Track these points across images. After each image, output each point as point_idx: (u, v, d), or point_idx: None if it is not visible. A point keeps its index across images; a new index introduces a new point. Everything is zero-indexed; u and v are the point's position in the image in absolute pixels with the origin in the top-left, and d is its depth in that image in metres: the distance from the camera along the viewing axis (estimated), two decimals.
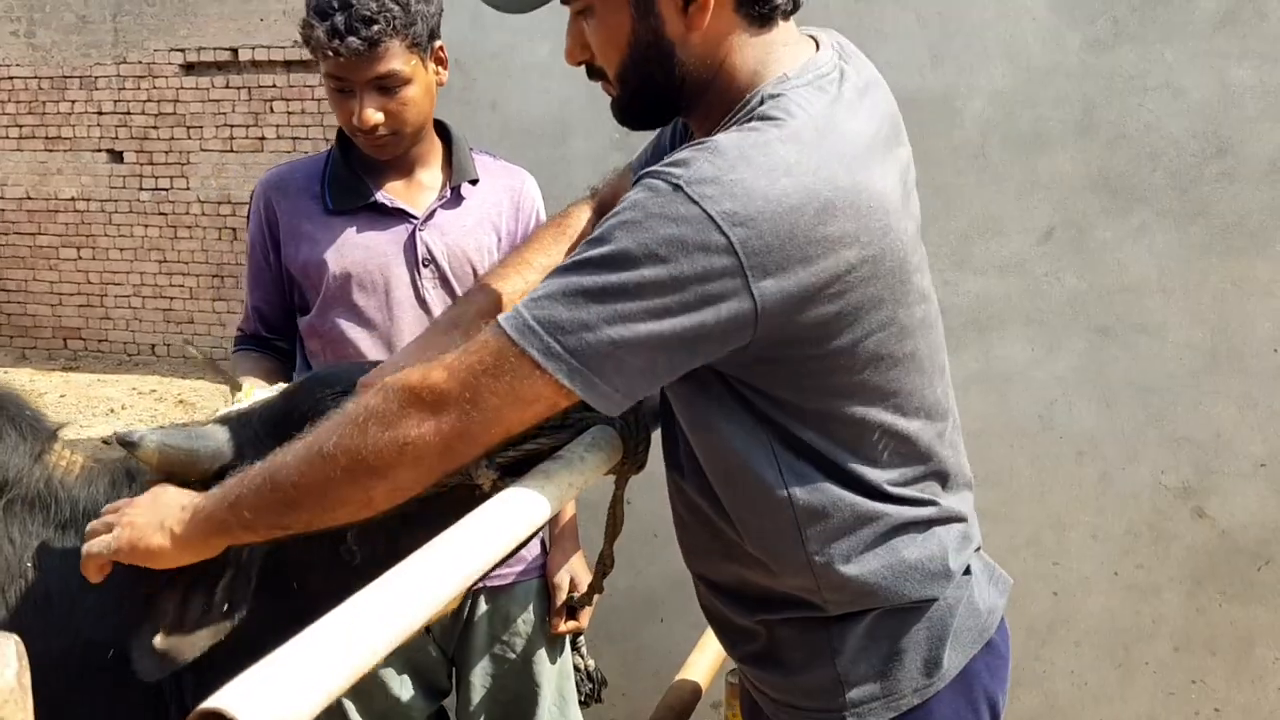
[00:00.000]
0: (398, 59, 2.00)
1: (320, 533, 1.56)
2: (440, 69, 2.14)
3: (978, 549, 1.57)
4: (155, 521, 1.40)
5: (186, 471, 1.55)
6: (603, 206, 1.75)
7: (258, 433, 1.61)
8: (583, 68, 1.47)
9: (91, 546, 1.43)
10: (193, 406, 8.89)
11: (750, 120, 1.30)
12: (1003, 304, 2.70)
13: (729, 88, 1.37)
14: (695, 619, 1.90)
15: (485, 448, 1.29)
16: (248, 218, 2.23)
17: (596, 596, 2.10)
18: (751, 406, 1.37)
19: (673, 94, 1.40)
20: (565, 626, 2.32)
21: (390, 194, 2.13)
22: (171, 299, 10.58)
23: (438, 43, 2.12)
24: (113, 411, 8.86)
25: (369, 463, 1.26)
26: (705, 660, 2.31)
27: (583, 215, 1.77)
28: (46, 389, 9.51)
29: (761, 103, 1.31)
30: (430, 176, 2.18)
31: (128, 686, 1.58)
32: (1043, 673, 2.81)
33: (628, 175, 1.76)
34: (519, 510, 1.34)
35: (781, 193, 1.21)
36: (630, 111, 1.46)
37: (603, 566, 1.82)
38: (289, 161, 2.31)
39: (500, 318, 1.25)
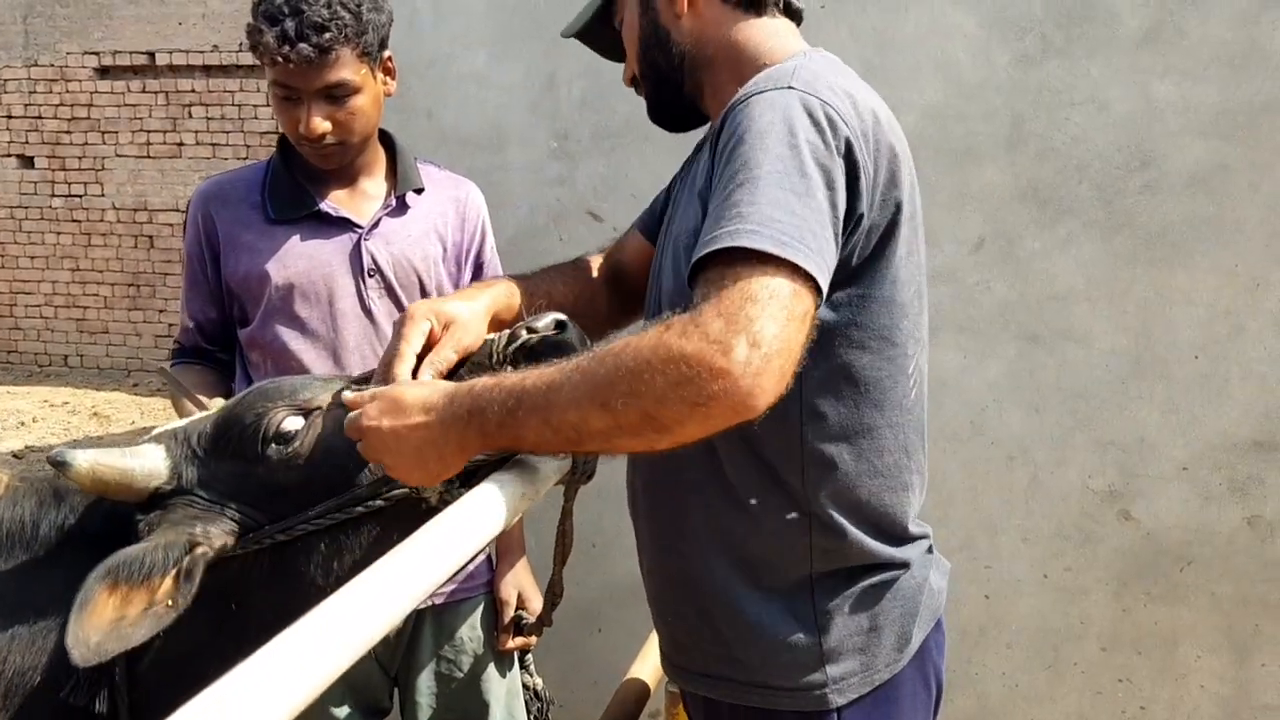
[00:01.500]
0: (348, 68, 1.98)
1: (268, 553, 1.54)
2: (389, 79, 2.12)
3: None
4: (411, 449, 1.37)
5: (120, 492, 1.51)
6: (606, 254, 1.84)
7: (196, 451, 1.57)
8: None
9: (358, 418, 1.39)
10: (107, 419, 8.66)
11: (788, 61, 1.47)
12: (935, 312, 2.71)
13: (739, 60, 1.54)
14: (634, 628, 1.89)
15: (776, 395, 1.22)
16: (184, 228, 2.18)
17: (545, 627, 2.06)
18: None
19: (678, 77, 1.57)
20: (513, 643, 2.29)
21: (334, 203, 2.10)
22: (85, 308, 10.31)
23: (386, 52, 2.10)
24: (23, 424, 8.59)
25: (661, 422, 1.22)
26: (645, 670, 2.31)
27: (590, 259, 1.84)
28: None
29: (794, 70, 1.44)
30: (374, 185, 2.16)
31: (62, 710, 1.54)
32: (975, 675, 2.86)
33: (633, 233, 1.83)
34: (472, 523, 1.30)
35: (870, 99, 1.46)
36: (656, 107, 1.64)
37: (552, 596, 1.73)
38: (226, 171, 2.26)
39: (720, 247, 1.26)
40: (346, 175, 2.12)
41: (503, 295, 1.62)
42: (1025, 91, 2.64)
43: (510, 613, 2.28)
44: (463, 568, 1.55)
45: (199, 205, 2.12)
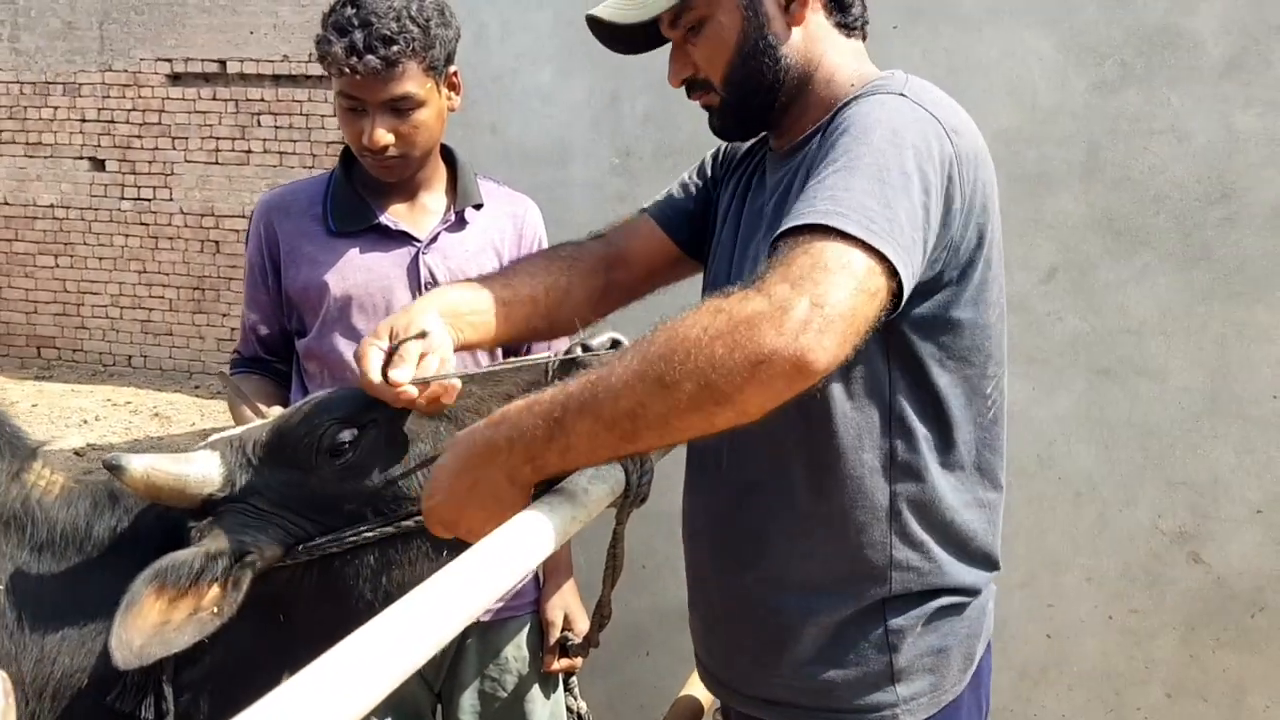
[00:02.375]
0: (413, 81, 1.97)
1: (317, 566, 1.52)
2: (453, 94, 2.11)
3: None
4: (470, 488, 1.35)
5: (173, 498, 1.51)
6: (608, 242, 1.81)
7: (251, 459, 1.57)
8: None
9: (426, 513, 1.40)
10: (168, 420, 8.78)
11: (895, 74, 1.51)
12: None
13: (831, 81, 1.55)
14: (683, 653, 1.86)
15: (835, 359, 1.19)
16: (246, 238, 2.19)
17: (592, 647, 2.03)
18: (894, 341, 1.47)
19: (775, 91, 1.55)
20: (558, 665, 2.27)
21: (394, 216, 2.09)
22: (150, 310, 10.47)
23: (452, 68, 2.09)
24: (85, 423, 8.74)
25: (719, 387, 1.18)
26: (699, 689, 2.27)
27: (586, 244, 1.82)
28: (18, 398, 9.37)
29: (906, 80, 1.49)
30: (434, 200, 2.15)
31: (108, 713, 1.53)
32: (1034, 715, 2.78)
33: (640, 218, 1.82)
34: (522, 545, 1.29)
35: (970, 126, 1.49)
36: (732, 115, 1.60)
37: (600, 617, 1.70)
38: (290, 182, 2.27)
39: (804, 222, 1.25)
40: (407, 189, 2.11)
41: (448, 308, 1.63)
42: (1102, 119, 2.57)
43: (556, 634, 2.26)
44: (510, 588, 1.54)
45: (261, 215, 2.12)
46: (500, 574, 1.23)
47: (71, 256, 10.57)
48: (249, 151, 10.01)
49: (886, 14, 2.65)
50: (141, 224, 10.37)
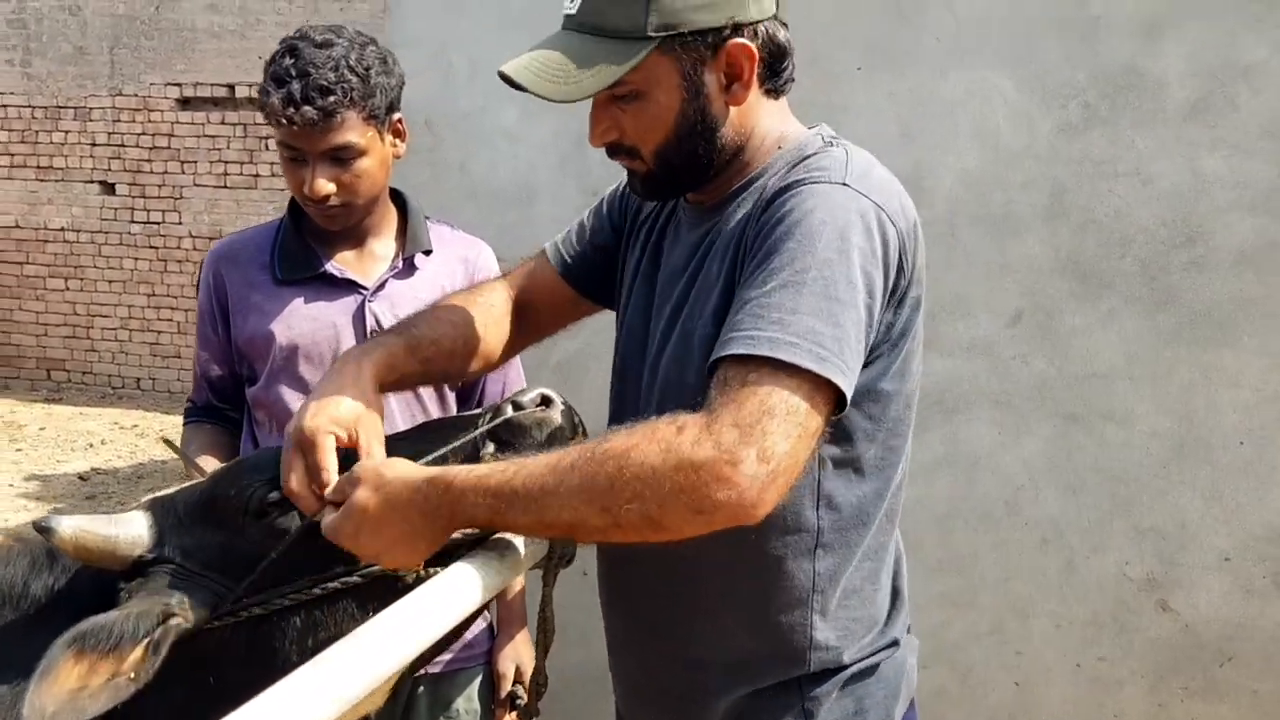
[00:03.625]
0: (353, 131, 1.97)
1: (245, 627, 1.52)
2: (398, 141, 2.10)
3: None
4: (393, 538, 1.38)
5: (105, 560, 1.51)
6: (514, 284, 1.83)
7: (180, 520, 1.57)
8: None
9: (326, 527, 1.42)
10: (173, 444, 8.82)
11: (831, 148, 1.50)
12: (970, 386, 2.67)
13: (759, 149, 1.54)
14: None
15: (774, 505, 1.27)
16: (196, 286, 2.20)
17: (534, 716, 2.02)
18: None
19: (708, 163, 1.53)
20: (509, 718, 2.25)
21: (341, 264, 2.09)
22: (159, 333, 10.56)
23: (396, 115, 2.08)
24: (92, 446, 8.80)
25: (660, 523, 1.26)
26: None
27: (496, 288, 1.83)
28: (27, 420, 9.45)
29: (831, 143, 1.52)
30: (383, 246, 2.14)
31: None
32: None
33: (543, 264, 1.83)
34: (446, 601, 1.33)
35: (904, 195, 1.51)
36: (658, 184, 1.58)
37: (537, 686, 1.70)
38: (240, 230, 2.27)
39: (754, 352, 1.28)
40: (354, 236, 2.11)
41: (384, 360, 1.60)
42: (1067, 161, 2.55)
43: (507, 686, 2.24)
44: (442, 643, 1.55)
45: (211, 265, 2.13)
46: (424, 628, 1.29)
47: (81, 280, 10.67)
48: (257, 175, 10.10)
49: (850, 55, 2.66)
50: (151, 247, 10.47)
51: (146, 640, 1.44)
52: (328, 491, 1.45)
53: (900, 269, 1.42)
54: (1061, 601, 2.66)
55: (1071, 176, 2.55)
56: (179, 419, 8.90)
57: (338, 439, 1.47)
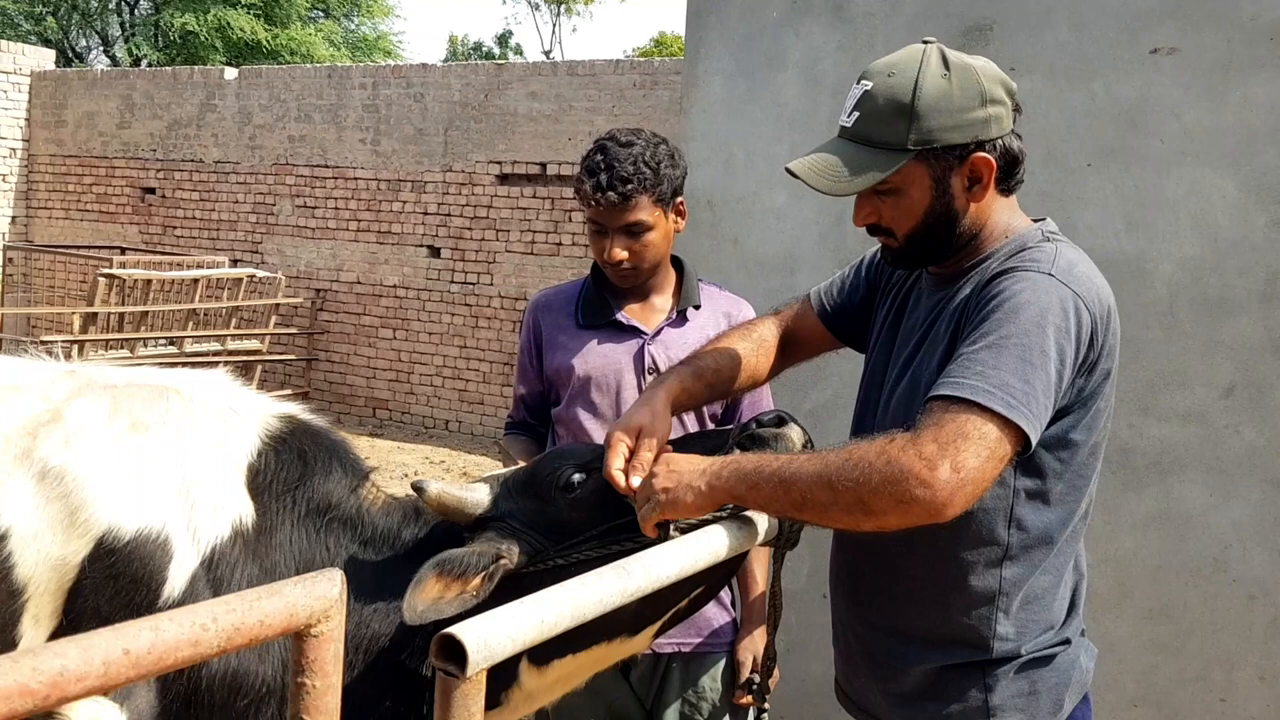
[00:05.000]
0: (644, 211, 2.52)
1: (550, 574, 2.03)
2: (679, 219, 2.64)
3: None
4: (684, 485, 1.81)
5: (456, 515, 2.09)
6: (783, 322, 2.29)
7: (510, 490, 2.13)
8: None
9: (644, 516, 1.86)
10: (473, 479, 9.80)
11: (1045, 244, 1.84)
12: (1183, 450, 2.92)
13: (989, 236, 1.89)
14: None
15: (963, 510, 1.63)
16: (518, 333, 2.81)
17: (773, 682, 2.38)
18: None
19: (948, 246, 1.89)
20: (744, 700, 2.67)
21: (628, 314, 2.64)
22: (467, 381, 11.70)
23: (679, 199, 2.62)
24: (405, 476, 9.90)
25: (871, 508, 1.64)
26: None
27: (768, 323, 2.30)
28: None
29: (1047, 238, 1.86)
30: (662, 301, 2.68)
31: (400, 668, 2.11)
32: None
33: (808, 309, 2.28)
34: (693, 550, 1.80)
35: (1103, 285, 1.82)
36: (906, 260, 1.97)
37: (768, 663, 2.13)
38: (555, 285, 2.88)
39: (958, 394, 1.65)
40: (641, 292, 2.65)
41: (676, 387, 2.08)
42: None
43: (745, 673, 2.65)
44: (684, 613, 2.04)
45: (531, 312, 2.74)
46: (677, 561, 1.74)
47: (406, 331, 11.99)
48: (559, 244, 11.09)
49: (1083, 154, 3.01)
50: (465, 305, 11.65)
51: (484, 571, 1.98)
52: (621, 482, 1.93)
53: (1091, 344, 1.76)
54: (1266, 655, 2.84)
55: None
56: (479, 458, 9.83)
57: (626, 444, 1.96)
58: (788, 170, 1.90)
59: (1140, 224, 2.95)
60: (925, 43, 1.88)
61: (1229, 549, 2.88)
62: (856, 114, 1.86)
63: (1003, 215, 1.91)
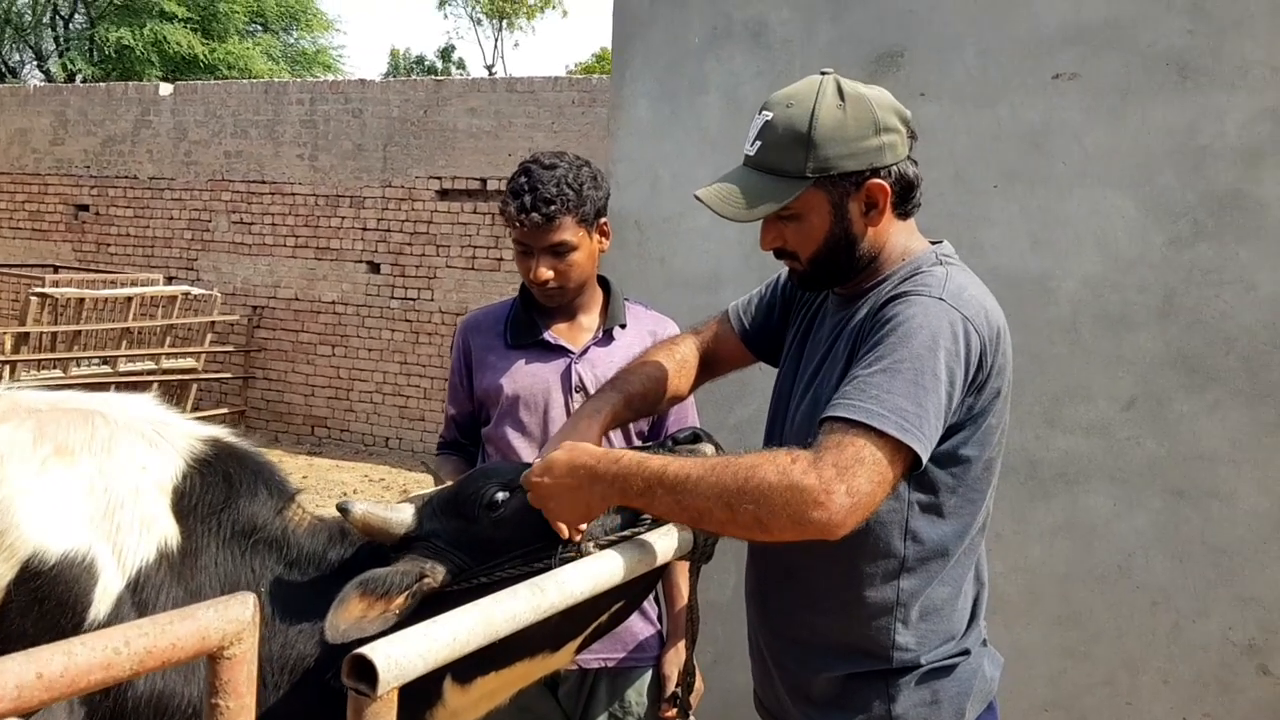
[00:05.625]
0: (568, 231, 2.59)
1: (473, 591, 2.08)
2: (603, 239, 2.71)
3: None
4: (571, 486, 1.87)
5: (381, 535, 2.13)
6: (703, 340, 2.37)
7: (435, 510, 2.17)
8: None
9: (553, 523, 1.94)
10: (411, 497, 9.79)
11: (937, 267, 1.92)
12: (1088, 461, 3.04)
13: (888, 259, 1.97)
14: None
15: (853, 529, 1.70)
16: (450, 350, 2.86)
17: (697, 695, 2.42)
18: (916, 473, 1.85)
19: (849, 270, 1.97)
20: (669, 714, 2.74)
21: (556, 334, 2.71)
22: (408, 397, 11.70)
23: (603, 219, 2.69)
24: (345, 495, 9.86)
25: (766, 525, 1.70)
26: None
27: (689, 342, 2.37)
28: (292, 470, 10.49)
29: (940, 261, 1.94)
30: (589, 320, 2.75)
31: (325, 688, 2.14)
32: None
33: (724, 319, 2.36)
34: (601, 569, 1.86)
35: (992, 307, 1.91)
36: (810, 282, 2.06)
37: (688, 678, 2.21)
38: (484, 306, 2.94)
39: (854, 418, 1.72)
40: (567, 312, 2.72)
41: (608, 414, 2.15)
42: (1178, 269, 2.92)
43: (671, 687, 2.71)
44: (606, 628, 2.10)
45: (461, 332, 2.79)
46: (585, 580, 1.80)
47: (345, 347, 11.96)
48: (500, 259, 11.13)
49: (989, 176, 3.12)
50: (406, 320, 11.65)
51: (408, 590, 2.01)
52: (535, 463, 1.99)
53: (980, 365, 1.85)
54: (1169, 660, 2.96)
55: (1181, 282, 2.92)
56: (419, 475, 9.82)
57: None
58: (696, 197, 1.98)
59: (1044, 243, 3.07)
60: (823, 74, 1.96)
61: (1132, 556, 3.00)
62: (759, 143, 1.94)
63: (900, 238, 1.99)
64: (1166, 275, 2.94)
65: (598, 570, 1.84)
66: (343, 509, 2.12)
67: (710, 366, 2.36)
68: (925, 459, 1.75)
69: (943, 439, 1.84)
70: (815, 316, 2.15)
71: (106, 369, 10.74)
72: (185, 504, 2.15)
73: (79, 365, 10.57)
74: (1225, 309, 2.88)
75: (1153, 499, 2.97)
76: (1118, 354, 3.00)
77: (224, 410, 11.59)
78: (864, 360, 1.82)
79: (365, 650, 1.34)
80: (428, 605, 1.99)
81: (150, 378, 10.75)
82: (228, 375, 12.14)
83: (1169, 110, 2.94)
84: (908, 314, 1.82)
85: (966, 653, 1.99)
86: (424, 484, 10.49)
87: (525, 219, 2.56)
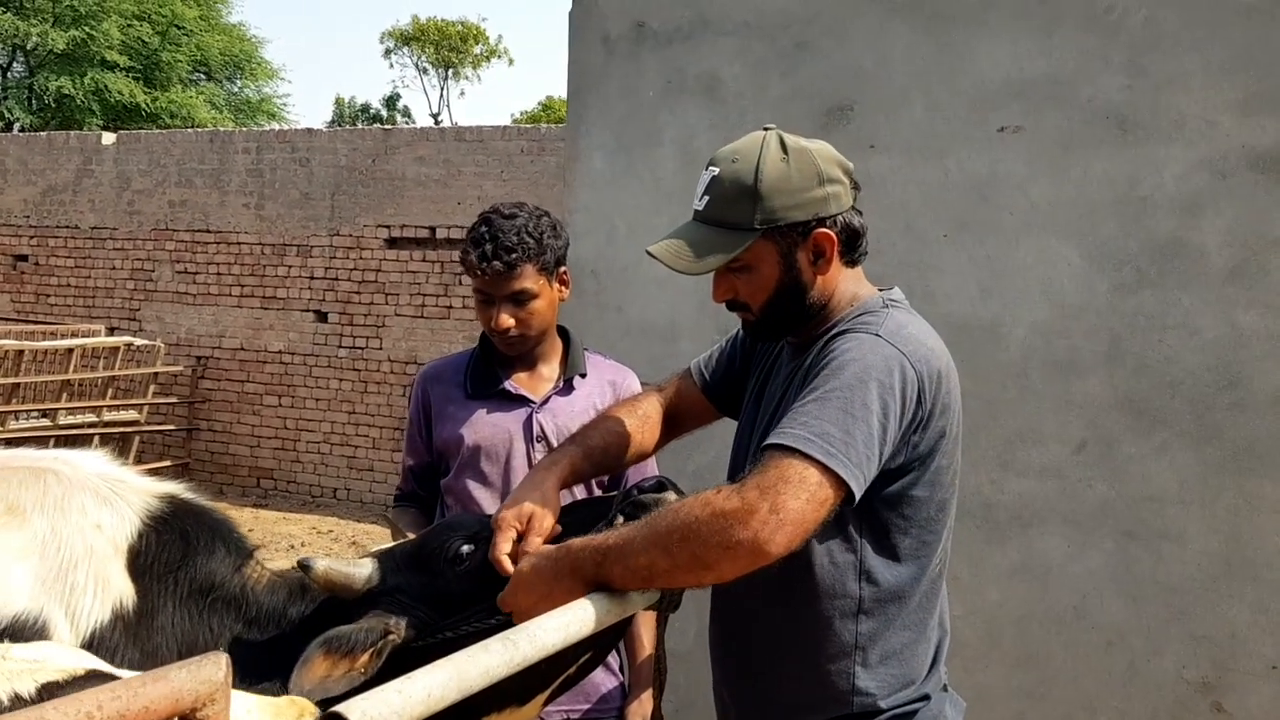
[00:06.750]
0: (529, 279, 2.60)
1: (440, 647, 2.06)
2: (563, 287, 2.73)
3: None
4: (544, 594, 1.86)
5: (344, 591, 2.11)
6: (666, 397, 2.37)
7: (398, 564, 2.16)
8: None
9: (500, 599, 1.93)
10: (362, 548, 9.67)
11: (881, 309, 1.96)
12: (1042, 504, 3.09)
13: (837, 306, 2.01)
14: None
15: (786, 549, 1.70)
16: (407, 401, 2.85)
17: None
18: (865, 513, 1.89)
19: (799, 319, 2.01)
20: None
21: (516, 383, 2.71)
22: (356, 447, 11.57)
23: (563, 268, 2.71)
24: (293, 548, 9.72)
25: (703, 560, 1.72)
26: None
27: (652, 399, 2.37)
28: (238, 522, 10.48)
29: (886, 305, 1.98)
30: (549, 370, 2.76)
31: None
32: None
33: (687, 376, 2.38)
34: (569, 619, 1.82)
35: (935, 347, 1.95)
36: (763, 332, 2.10)
37: None
38: (443, 357, 2.93)
39: (781, 442, 1.74)
40: (528, 361, 2.73)
41: (567, 468, 2.15)
42: (1123, 315, 3.00)
43: None
44: (573, 681, 2.09)
45: (421, 383, 2.79)
46: (557, 632, 1.76)
47: (292, 397, 11.84)
48: (450, 307, 11.12)
49: (939, 225, 3.19)
50: (354, 369, 11.56)
51: (373, 647, 2.00)
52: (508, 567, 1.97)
53: (920, 401, 1.87)
54: (1125, 699, 3.00)
55: (1126, 328, 2.99)
56: (368, 526, 9.75)
57: (516, 529, 2.01)
58: (649, 253, 2.02)
59: (993, 290, 3.13)
60: (765, 129, 2.01)
61: (1087, 598, 3.04)
62: (707, 198, 1.99)
63: (849, 285, 2.04)
64: (1112, 321, 3.01)
65: (569, 621, 1.84)
66: (304, 565, 2.10)
67: (675, 422, 2.37)
68: (855, 485, 1.75)
69: (892, 480, 1.87)
70: (773, 366, 2.18)
71: (46, 422, 10.52)
72: (141, 563, 2.12)
73: (17, 419, 10.35)
74: (1170, 353, 2.95)
75: (1105, 540, 3.02)
76: (1067, 398, 3.06)
77: (167, 463, 11.39)
78: (800, 395, 1.86)
79: (341, 708, 1.33)
80: (393, 663, 1.97)
81: (91, 430, 10.55)
82: (171, 427, 11.94)
83: (1110, 162, 3.03)
84: (844, 348, 1.88)
85: (926, 698, 2.00)
86: (374, 535, 10.43)
87: (487, 267, 2.57)
